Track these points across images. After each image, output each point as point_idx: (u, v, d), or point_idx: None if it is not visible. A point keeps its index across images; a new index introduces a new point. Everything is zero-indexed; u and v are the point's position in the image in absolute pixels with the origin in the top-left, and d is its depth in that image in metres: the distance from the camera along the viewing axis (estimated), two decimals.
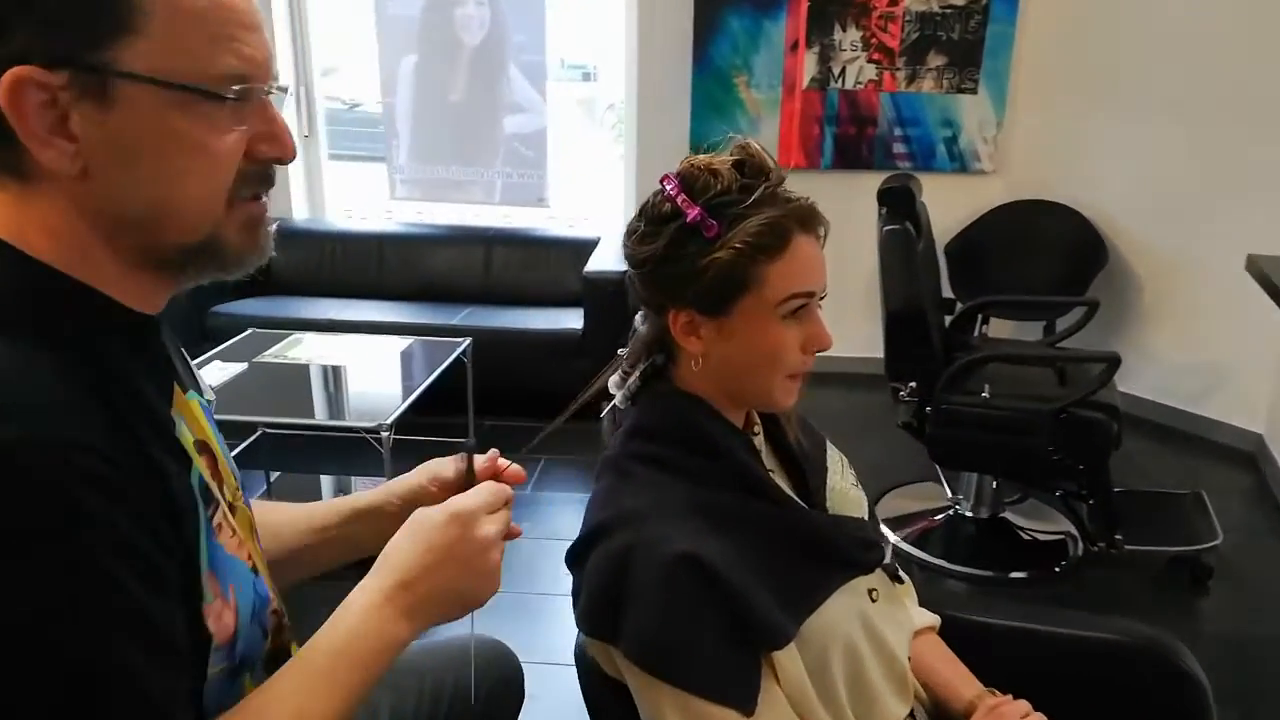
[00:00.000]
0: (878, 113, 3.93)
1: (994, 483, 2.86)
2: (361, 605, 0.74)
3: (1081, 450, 2.45)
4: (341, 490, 3.10)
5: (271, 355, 2.97)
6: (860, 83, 3.89)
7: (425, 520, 0.78)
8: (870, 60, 3.86)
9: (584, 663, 1.00)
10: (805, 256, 0.91)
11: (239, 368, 2.85)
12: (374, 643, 0.73)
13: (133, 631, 0.60)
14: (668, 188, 0.91)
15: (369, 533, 0.93)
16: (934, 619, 1.13)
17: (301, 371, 2.87)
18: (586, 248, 3.79)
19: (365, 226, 4.18)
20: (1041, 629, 1.17)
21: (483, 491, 0.81)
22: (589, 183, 5.36)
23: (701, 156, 0.93)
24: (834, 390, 4.03)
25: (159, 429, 0.69)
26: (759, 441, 1.02)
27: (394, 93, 4.21)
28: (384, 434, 2.46)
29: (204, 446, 0.77)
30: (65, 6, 0.61)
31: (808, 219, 0.92)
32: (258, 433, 3.07)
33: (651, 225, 0.92)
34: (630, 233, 0.94)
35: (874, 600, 0.99)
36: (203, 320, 3.65)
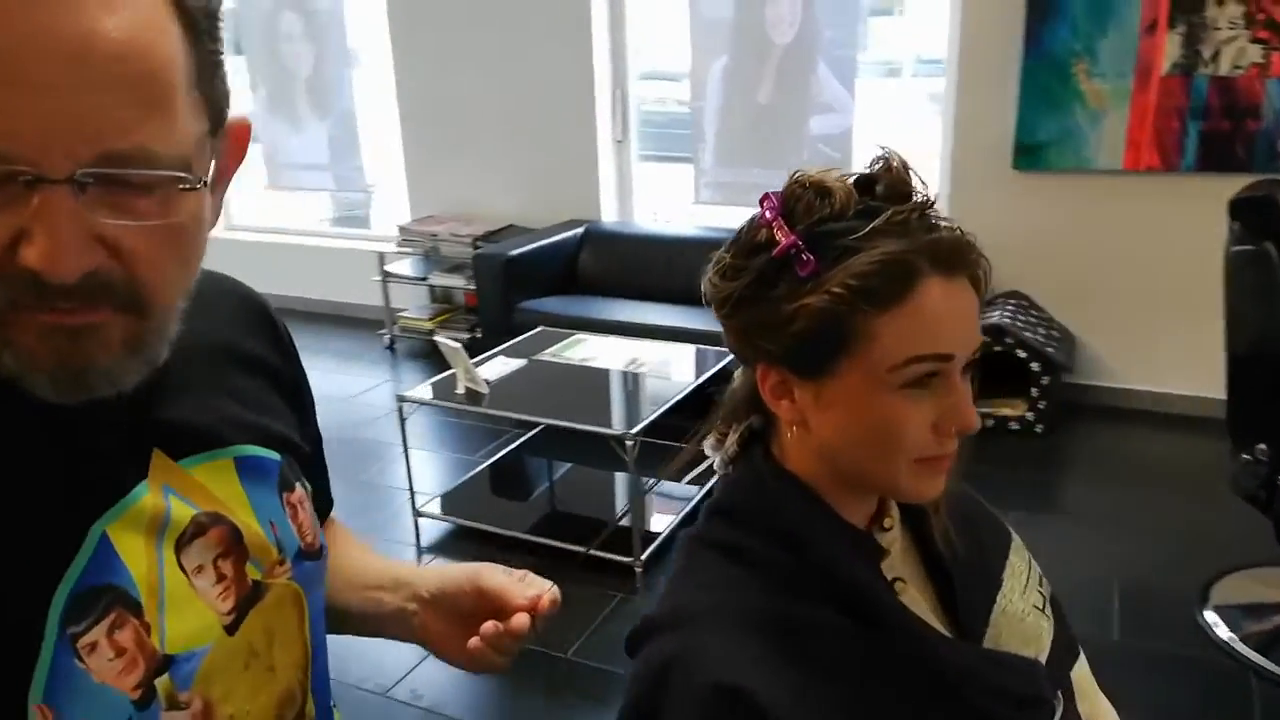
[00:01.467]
0: (1261, 103, 3.21)
1: None
2: None
3: None
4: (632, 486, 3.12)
5: (550, 354, 3.06)
6: (1240, 67, 3.20)
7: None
8: (1255, 39, 3.16)
9: None
10: (938, 308, 0.68)
11: (518, 364, 2.98)
12: None
13: None
14: (765, 209, 0.73)
15: (390, 609, 0.85)
16: None
17: (572, 371, 2.93)
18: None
19: (665, 230, 4.21)
20: None
21: None
22: None
23: (816, 171, 0.73)
24: (1165, 433, 3.40)
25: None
26: (889, 539, 0.79)
27: (703, 95, 4.19)
28: (628, 442, 2.42)
29: (214, 519, 0.69)
30: None
31: (949, 257, 0.69)
32: (539, 426, 3.19)
33: (739, 257, 0.73)
34: (715, 264, 0.76)
35: None
36: (510, 315, 3.89)
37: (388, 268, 4.62)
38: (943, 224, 0.71)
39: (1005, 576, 0.84)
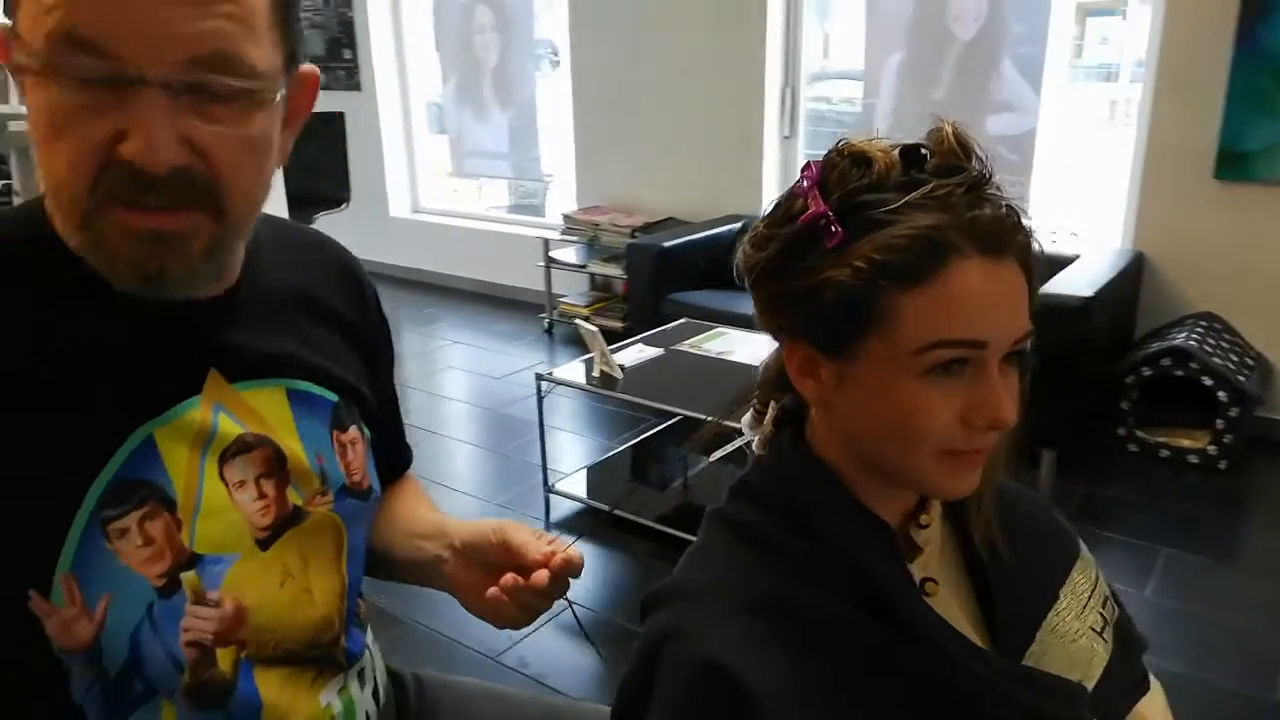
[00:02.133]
0: None
1: None
2: None
3: None
4: None
5: (688, 344, 3.07)
6: None
7: None
8: None
9: None
10: (971, 290, 0.62)
11: (655, 352, 3.00)
12: None
13: None
14: (804, 178, 0.69)
15: (430, 557, 0.88)
16: None
17: (706, 363, 2.92)
18: (1057, 266, 3.28)
19: None
20: None
21: None
22: (1094, 194, 4.64)
23: (863, 140, 0.69)
24: None
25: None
26: (925, 536, 0.74)
27: (876, 93, 4.07)
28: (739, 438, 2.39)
29: (260, 440, 0.76)
30: None
31: (990, 235, 0.63)
32: (678, 416, 3.20)
33: (771, 226, 0.70)
34: (749, 234, 0.73)
35: None
36: (659, 305, 3.92)
37: (552, 254, 4.77)
38: (996, 201, 0.65)
39: (1063, 593, 0.77)
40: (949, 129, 0.67)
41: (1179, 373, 3.04)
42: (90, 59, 0.59)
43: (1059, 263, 3.33)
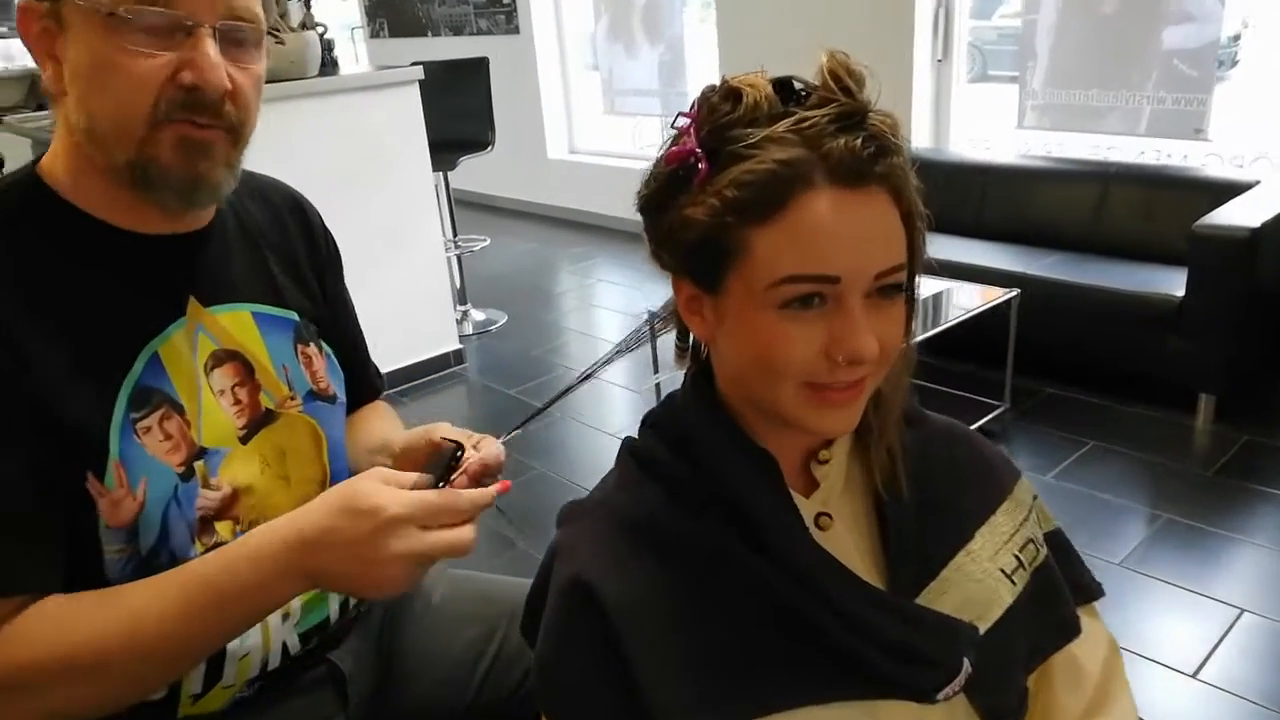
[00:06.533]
0: None
1: None
2: (258, 550, 0.76)
3: None
4: None
5: None
6: None
7: (351, 497, 0.75)
8: None
9: None
10: (821, 224, 0.61)
11: None
12: (252, 590, 0.75)
13: None
14: (688, 114, 0.70)
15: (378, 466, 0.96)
16: None
17: None
18: (1234, 194, 2.96)
19: (975, 157, 3.87)
20: None
21: (429, 502, 0.75)
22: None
23: (749, 74, 0.68)
24: None
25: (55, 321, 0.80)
26: (824, 471, 0.74)
27: (1037, 8, 3.76)
28: None
29: (231, 355, 0.90)
30: None
31: (845, 165, 0.61)
32: None
33: (658, 164, 0.70)
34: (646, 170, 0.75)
35: None
36: None
37: None
38: (870, 131, 0.63)
39: (980, 533, 0.76)
40: (826, 60, 0.65)
41: None
42: (156, 10, 0.76)
43: (1232, 189, 3.01)
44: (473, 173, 5.55)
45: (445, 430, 0.95)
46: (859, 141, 0.62)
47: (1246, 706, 1.79)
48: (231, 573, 0.76)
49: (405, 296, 3.57)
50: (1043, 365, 3.12)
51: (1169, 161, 3.63)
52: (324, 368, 1.01)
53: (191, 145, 0.81)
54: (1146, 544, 2.32)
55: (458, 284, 4.30)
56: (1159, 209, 3.23)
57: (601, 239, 5.64)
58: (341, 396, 1.03)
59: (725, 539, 0.70)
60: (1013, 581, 0.75)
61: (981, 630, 0.71)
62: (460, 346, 3.85)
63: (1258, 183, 3.03)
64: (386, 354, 3.73)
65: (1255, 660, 1.91)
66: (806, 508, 0.72)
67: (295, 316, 0.99)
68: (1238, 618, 2.04)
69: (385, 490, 0.75)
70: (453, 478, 0.82)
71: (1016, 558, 0.76)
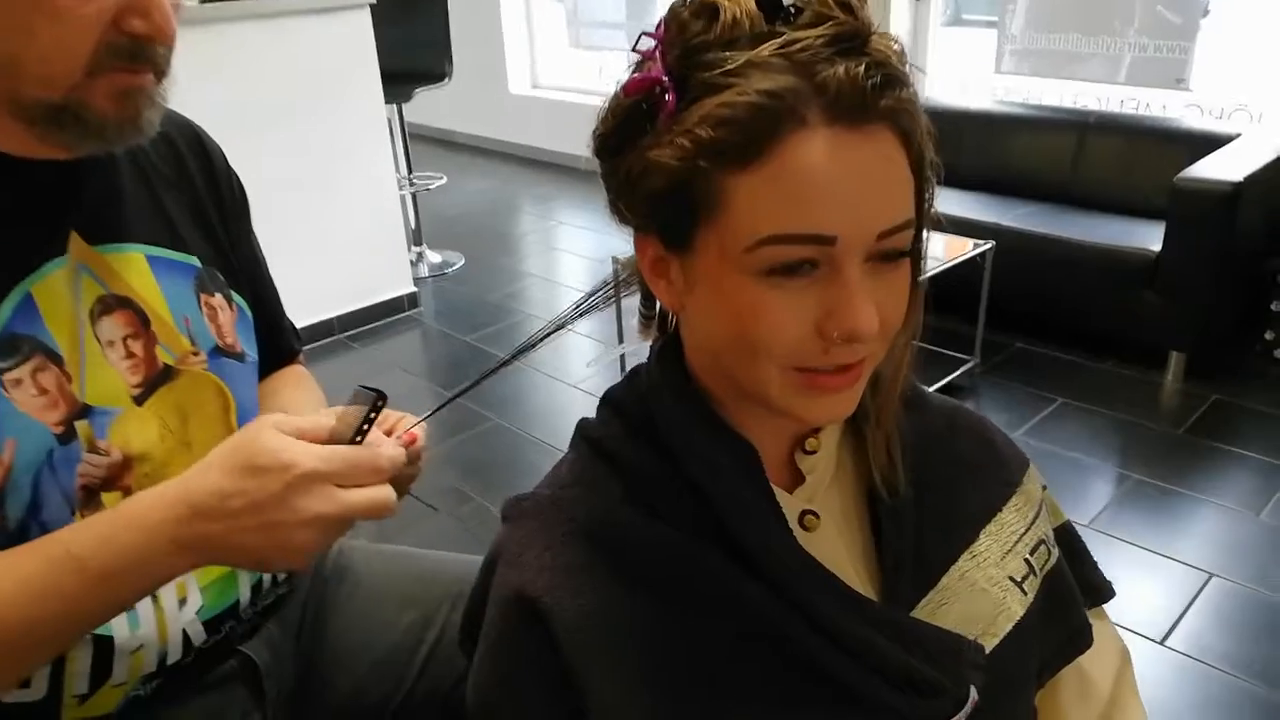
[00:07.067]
0: None
1: None
2: (138, 519, 0.64)
3: None
4: None
5: None
6: None
7: (252, 455, 0.62)
8: None
9: None
10: (816, 171, 0.50)
11: None
12: (129, 569, 0.63)
13: None
14: (649, 34, 0.57)
15: None
16: None
17: None
18: (1215, 146, 2.88)
19: (951, 103, 3.75)
20: None
21: (349, 457, 0.63)
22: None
23: None
24: None
25: None
26: (811, 463, 0.63)
27: None
28: None
29: (121, 301, 0.78)
30: None
31: (846, 98, 0.50)
32: None
33: (617, 95, 0.58)
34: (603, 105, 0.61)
35: None
36: None
37: None
38: (872, 58, 0.51)
39: (985, 533, 0.66)
40: None
41: None
42: None
43: (1211, 141, 2.93)
44: (429, 106, 5.33)
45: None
46: (861, 69, 0.50)
47: (1215, 674, 1.76)
48: (104, 546, 0.63)
49: (356, 236, 3.40)
50: (1013, 319, 3.05)
51: (1147, 111, 3.55)
52: (231, 321, 0.89)
53: (130, 93, 0.73)
54: (1115, 505, 2.27)
55: (412, 224, 4.14)
56: (1138, 160, 3.15)
57: (565, 179, 5.47)
58: (252, 355, 0.91)
59: (696, 546, 0.59)
60: (1023, 590, 0.65)
61: (988, 648, 0.62)
62: (415, 290, 3.70)
63: (1238, 135, 2.96)
64: (336, 297, 3.65)
65: (1224, 627, 1.88)
66: (790, 505, 0.62)
67: (196, 263, 0.87)
68: (1206, 582, 2.00)
69: (294, 444, 0.62)
70: (366, 427, 0.66)
71: (1027, 562, 0.66)
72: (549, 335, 0.70)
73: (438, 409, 0.74)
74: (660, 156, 0.53)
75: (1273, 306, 2.83)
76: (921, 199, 0.55)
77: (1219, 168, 2.66)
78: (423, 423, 0.74)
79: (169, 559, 0.64)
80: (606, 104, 0.59)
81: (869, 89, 0.50)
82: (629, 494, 0.61)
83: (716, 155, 0.51)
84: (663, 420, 0.61)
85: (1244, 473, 2.39)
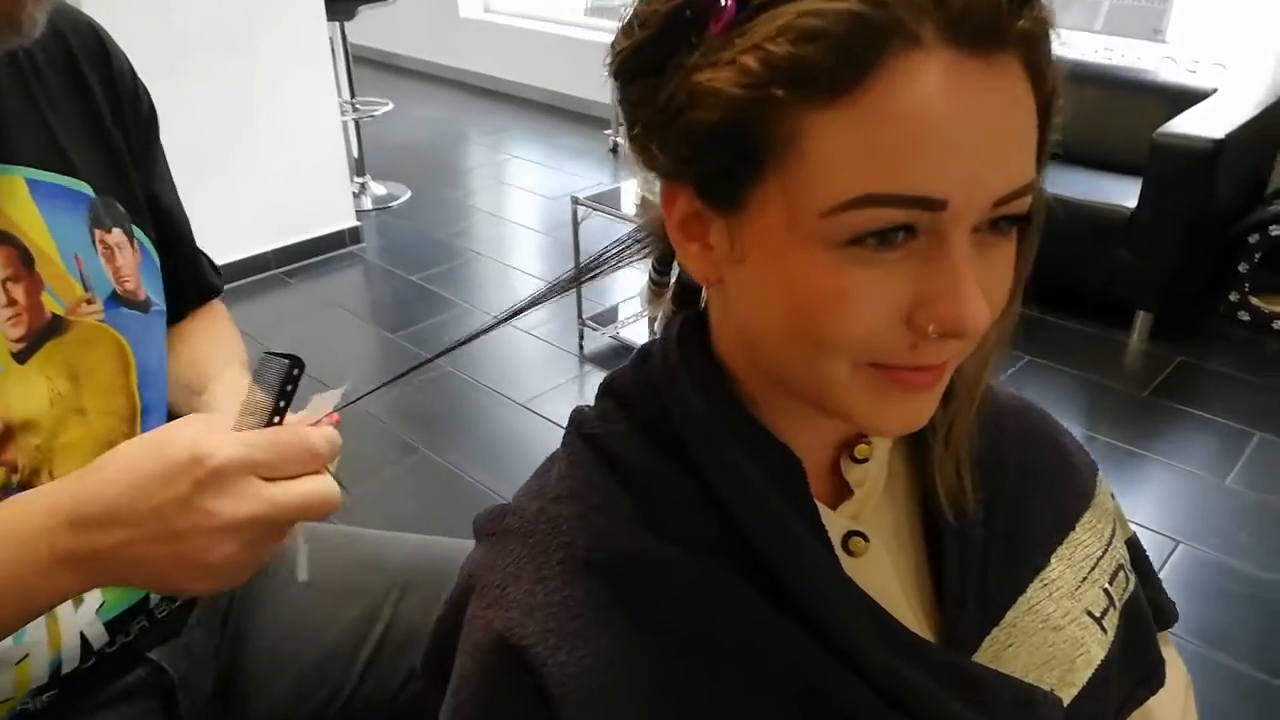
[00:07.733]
0: None
1: None
2: (13, 529, 0.50)
3: None
4: None
5: None
6: None
7: (162, 440, 0.50)
8: None
9: None
10: (928, 108, 0.37)
11: None
12: (3, 587, 0.50)
13: None
14: None
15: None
16: None
17: None
18: (1190, 101, 2.80)
19: None
20: None
21: (272, 440, 0.50)
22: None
23: None
24: None
25: None
26: (860, 474, 0.52)
27: None
28: None
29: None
30: None
31: (972, 14, 0.37)
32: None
33: (646, 4, 0.44)
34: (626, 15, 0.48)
35: None
36: None
37: None
38: None
39: (1057, 558, 0.55)
40: None
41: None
42: None
43: (1188, 96, 2.86)
44: (374, 27, 5.05)
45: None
46: None
47: (1181, 644, 1.73)
48: None
49: (295, 165, 3.17)
50: None
51: (1121, 62, 3.46)
52: (133, 263, 0.75)
53: None
54: None
55: (355, 153, 3.90)
56: (1113, 113, 3.06)
57: (517, 110, 5.23)
58: (159, 303, 0.77)
59: (722, 579, 0.47)
60: (1103, 628, 0.55)
61: (1066, 700, 0.51)
62: (357, 224, 3.50)
63: (1214, 90, 2.88)
64: (273, 229, 3.43)
65: (1193, 595, 1.85)
66: (834, 525, 0.50)
67: (90, 190, 0.72)
68: (1174, 549, 1.97)
69: (206, 434, 0.49)
70: (284, 404, 0.52)
71: (1106, 593, 0.56)
72: (500, 324, 0.57)
73: (367, 393, 0.60)
74: (714, 81, 0.40)
75: (1240, 267, 2.80)
76: (1043, 153, 0.42)
77: (1199, 123, 2.59)
78: (354, 402, 0.56)
79: (50, 578, 0.51)
80: (632, 8, 0.45)
81: (1005, 3, 0.37)
82: (638, 512, 0.49)
83: (795, 82, 0.38)
84: (683, 419, 0.49)
85: (1209, 436, 2.36)
